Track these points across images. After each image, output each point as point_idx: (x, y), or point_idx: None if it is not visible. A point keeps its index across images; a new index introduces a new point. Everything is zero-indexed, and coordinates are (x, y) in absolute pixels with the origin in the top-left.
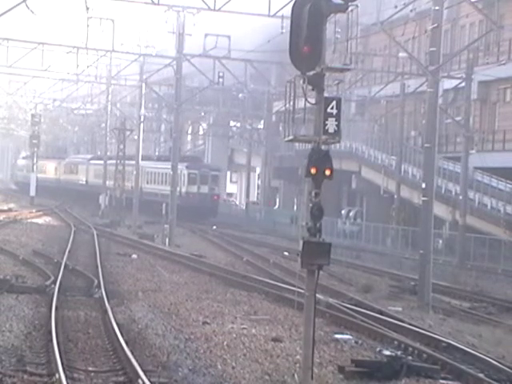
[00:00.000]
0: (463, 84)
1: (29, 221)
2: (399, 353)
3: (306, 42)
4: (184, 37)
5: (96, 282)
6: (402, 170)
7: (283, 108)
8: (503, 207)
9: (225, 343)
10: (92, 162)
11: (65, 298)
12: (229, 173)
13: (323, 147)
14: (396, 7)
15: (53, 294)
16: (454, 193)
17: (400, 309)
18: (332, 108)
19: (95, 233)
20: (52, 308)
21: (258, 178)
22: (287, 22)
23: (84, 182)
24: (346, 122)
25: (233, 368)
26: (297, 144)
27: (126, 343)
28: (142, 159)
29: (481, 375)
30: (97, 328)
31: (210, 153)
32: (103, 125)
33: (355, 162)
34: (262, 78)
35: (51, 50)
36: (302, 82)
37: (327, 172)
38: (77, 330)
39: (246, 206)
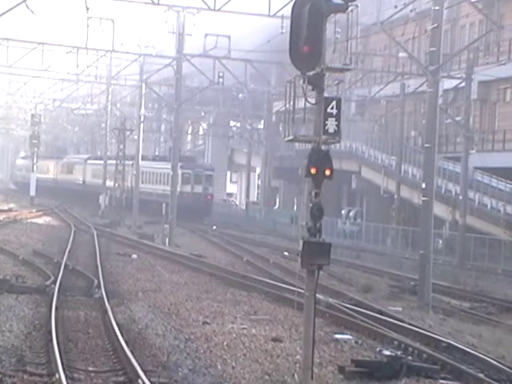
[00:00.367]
0: (463, 84)
1: (29, 221)
2: (399, 353)
3: (306, 41)
4: (184, 37)
5: (96, 282)
6: (402, 170)
7: (283, 108)
8: (503, 207)
9: (225, 343)
10: (89, 162)
11: (65, 298)
12: (229, 173)
13: (323, 147)
14: (396, 7)
15: (53, 294)
16: (454, 193)
17: (400, 309)
18: (332, 108)
19: (95, 233)
20: (52, 308)
21: (258, 178)
22: (287, 22)
23: (81, 182)
24: (346, 122)
25: (233, 368)
26: (297, 144)
27: (126, 343)
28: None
29: (481, 375)
30: (97, 328)
31: (210, 153)
32: (103, 125)
33: (355, 162)
34: (261, 78)
35: (51, 49)
36: (302, 81)
37: (327, 172)
38: (77, 330)
39: (246, 206)
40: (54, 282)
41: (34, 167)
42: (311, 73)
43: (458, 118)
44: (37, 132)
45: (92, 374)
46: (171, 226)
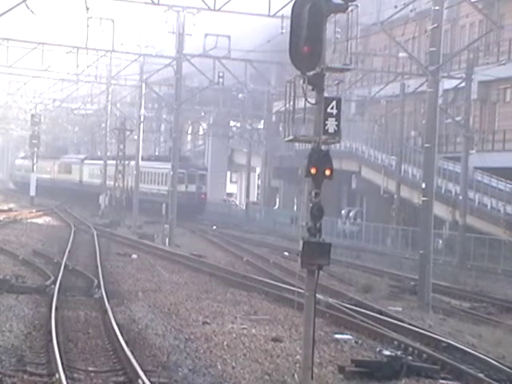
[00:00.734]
0: (463, 84)
1: (29, 221)
2: (399, 353)
3: (306, 41)
4: (184, 37)
5: (96, 282)
6: (402, 170)
7: (283, 108)
8: (503, 207)
9: (225, 343)
10: (86, 162)
11: (65, 298)
12: (229, 173)
13: (323, 147)
14: (396, 7)
15: (53, 294)
16: (454, 193)
17: (400, 309)
18: (332, 108)
19: (95, 233)
20: (52, 308)
21: (258, 178)
22: (287, 22)
23: (78, 182)
24: (346, 122)
25: (233, 368)
26: (297, 144)
27: (126, 343)
28: (130, 160)
29: (481, 375)
30: (97, 328)
31: (209, 153)
32: (103, 125)
33: (355, 162)
34: (261, 78)
35: (51, 49)
36: (302, 82)
37: (327, 172)
38: (77, 330)
39: (246, 206)
40: (54, 282)
41: (34, 167)
42: (311, 73)
43: (458, 118)
44: (37, 132)
45: (92, 374)
46: (171, 226)
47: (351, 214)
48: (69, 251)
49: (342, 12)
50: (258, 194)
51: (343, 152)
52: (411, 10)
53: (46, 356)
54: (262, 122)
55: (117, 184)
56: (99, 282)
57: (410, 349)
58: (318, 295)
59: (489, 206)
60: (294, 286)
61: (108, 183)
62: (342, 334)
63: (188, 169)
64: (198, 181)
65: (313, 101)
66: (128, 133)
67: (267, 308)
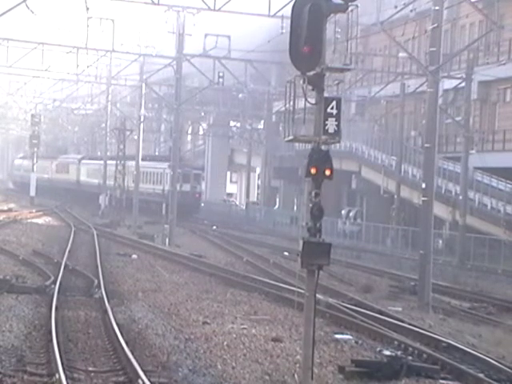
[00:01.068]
0: (463, 84)
1: (29, 221)
2: (399, 353)
3: (306, 41)
4: (184, 37)
5: (96, 282)
6: (402, 170)
7: (283, 108)
8: (503, 207)
9: (225, 343)
10: (83, 161)
11: (65, 298)
12: (229, 173)
13: (323, 147)
14: (396, 7)
15: (53, 294)
16: (453, 193)
17: (400, 309)
18: (332, 108)
19: (95, 233)
20: (52, 308)
21: (258, 178)
22: (287, 22)
23: (75, 182)
24: (345, 122)
25: (233, 368)
26: (297, 144)
27: (126, 343)
28: (127, 159)
29: (481, 375)
30: (97, 328)
31: (210, 153)
32: (103, 125)
33: (355, 162)
34: (262, 78)
35: (51, 49)
36: (302, 82)
37: (327, 172)
38: (77, 330)
39: (246, 206)
40: (54, 282)
41: (34, 167)
42: (311, 73)
43: (458, 118)
44: (37, 132)
45: (92, 374)
46: (171, 226)
47: (351, 214)
48: (69, 251)
49: (342, 12)
50: (258, 194)
51: (343, 152)
52: (411, 10)
53: (46, 356)
54: (262, 122)
55: (117, 184)
56: (99, 282)
57: (410, 349)
58: (318, 295)
59: (489, 206)
60: (294, 286)
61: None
62: (342, 333)
63: (183, 168)
64: (193, 180)
65: (313, 101)
66: (128, 133)
67: (267, 308)
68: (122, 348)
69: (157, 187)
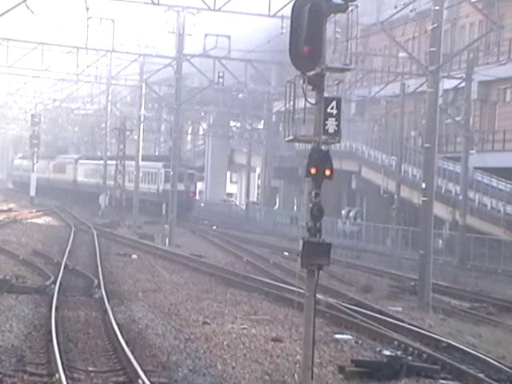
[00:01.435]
0: (463, 84)
1: (29, 221)
2: (399, 353)
3: (306, 41)
4: (184, 37)
5: (96, 282)
6: (402, 170)
7: (283, 108)
8: (503, 207)
9: (225, 343)
10: (80, 161)
11: (65, 298)
12: (229, 173)
13: (323, 147)
14: (396, 7)
15: (53, 294)
16: (454, 193)
17: (400, 309)
18: (332, 108)
19: (95, 233)
20: (52, 308)
21: (258, 178)
22: (287, 22)
23: (72, 181)
24: (345, 122)
25: (233, 368)
26: (297, 144)
27: (126, 343)
28: (125, 160)
29: (481, 375)
30: (97, 328)
31: (210, 153)
32: (103, 125)
33: (355, 162)
34: (262, 78)
35: (51, 49)
36: (301, 82)
37: (327, 172)
38: (77, 330)
39: (246, 206)
40: (54, 282)
41: (34, 167)
42: (311, 73)
43: (457, 118)
44: (37, 132)
45: (92, 374)
46: (171, 226)
47: (351, 214)
48: (69, 251)
49: (342, 12)
50: (258, 193)
51: (343, 152)
52: (411, 10)
53: (46, 356)
54: (262, 122)
55: (116, 184)
56: (99, 282)
57: (410, 349)
58: (318, 295)
59: (489, 206)
60: (294, 286)
61: (100, 182)
62: (342, 333)
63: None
64: (187, 180)
65: (313, 101)
66: (128, 133)
67: (267, 308)
68: (122, 348)
69: (152, 187)
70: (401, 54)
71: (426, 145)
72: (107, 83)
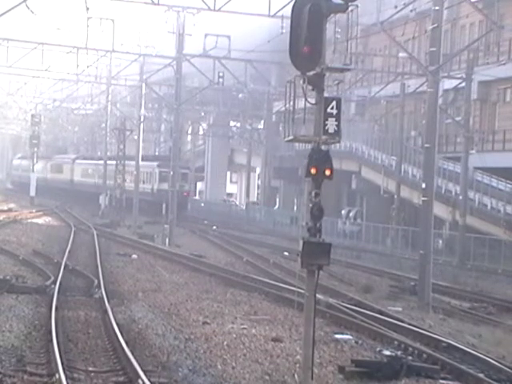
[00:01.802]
0: (463, 84)
1: (29, 221)
2: (399, 353)
3: (306, 41)
4: (184, 37)
5: (96, 282)
6: (402, 170)
7: (283, 108)
8: (503, 207)
9: (225, 343)
10: (77, 161)
11: (65, 298)
12: (229, 173)
13: (323, 147)
14: (396, 7)
15: (53, 294)
16: (454, 193)
17: (400, 309)
18: (332, 108)
19: (95, 233)
20: (52, 308)
21: (258, 178)
22: (287, 22)
23: (69, 181)
24: (345, 122)
25: (233, 368)
26: (297, 144)
27: (126, 343)
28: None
29: (481, 375)
30: (97, 328)
31: (210, 153)
32: (103, 125)
33: (355, 162)
34: (261, 78)
35: (51, 49)
36: (302, 82)
37: (327, 172)
38: (77, 330)
39: (246, 206)
40: (54, 282)
41: (34, 167)
42: (311, 73)
43: (457, 118)
44: (37, 132)
45: (92, 374)
46: (171, 226)
47: (351, 214)
48: (69, 251)
49: (342, 12)
50: (258, 194)
51: (343, 152)
52: (411, 10)
53: (46, 356)
54: (262, 122)
55: (116, 184)
56: (99, 282)
57: (410, 349)
58: (318, 295)
59: (489, 206)
60: (294, 286)
61: (98, 182)
62: (342, 333)
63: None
64: (181, 179)
65: (313, 101)
66: (128, 133)
67: (267, 308)
68: (122, 348)
69: (146, 186)
70: (401, 54)
71: (426, 145)
72: (107, 83)
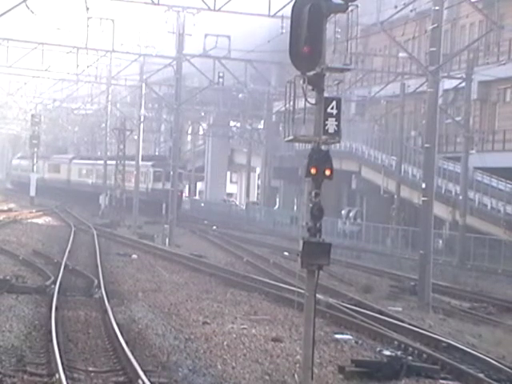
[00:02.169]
0: (463, 84)
1: (29, 221)
2: (399, 353)
3: (306, 41)
4: (184, 37)
5: (96, 282)
6: (402, 170)
7: (283, 108)
8: (503, 207)
9: (225, 343)
10: (74, 161)
11: (65, 298)
12: (229, 173)
13: (323, 147)
14: (396, 7)
15: (53, 294)
16: (454, 193)
17: (400, 309)
18: (332, 108)
19: (95, 233)
20: (52, 308)
21: (258, 178)
22: (287, 22)
23: (65, 181)
24: (345, 122)
25: (233, 368)
26: (297, 144)
27: (126, 343)
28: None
29: (481, 375)
30: (97, 328)
31: (209, 153)
32: (103, 125)
33: (355, 162)
34: (261, 78)
35: (51, 49)
36: (302, 82)
37: (327, 172)
38: (77, 330)
39: (246, 206)
40: (54, 282)
41: (34, 167)
42: (311, 73)
43: (457, 118)
44: (37, 132)
45: (92, 374)
46: (171, 226)
47: (351, 214)
48: (69, 251)
49: (341, 12)
50: (258, 193)
51: (343, 152)
52: (411, 10)
53: (46, 356)
54: (262, 122)
55: (116, 184)
56: (99, 282)
57: (410, 349)
58: (318, 295)
59: (489, 206)
60: (294, 286)
61: (94, 182)
62: (342, 333)
63: (165, 167)
64: None
65: (313, 101)
66: (128, 133)
67: (267, 308)
68: (122, 348)
69: (141, 186)
70: (401, 54)
71: (426, 145)
72: (107, 83)
